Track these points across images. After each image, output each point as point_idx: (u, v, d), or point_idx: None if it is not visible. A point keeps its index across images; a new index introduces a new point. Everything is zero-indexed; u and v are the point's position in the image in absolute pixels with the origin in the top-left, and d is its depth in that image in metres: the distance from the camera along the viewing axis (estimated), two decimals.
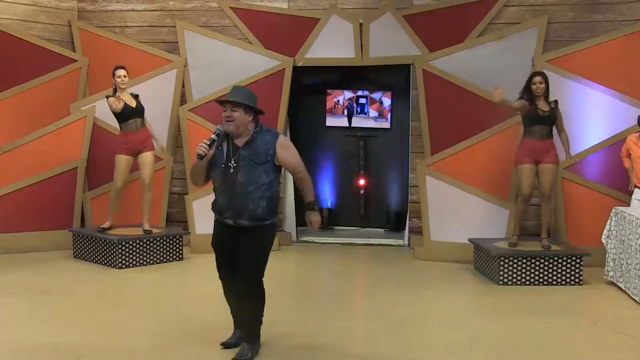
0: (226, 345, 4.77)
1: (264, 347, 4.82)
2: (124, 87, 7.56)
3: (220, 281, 4.78)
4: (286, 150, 4.55)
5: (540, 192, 7.16)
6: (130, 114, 7.56)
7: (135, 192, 8.11)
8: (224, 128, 4.55)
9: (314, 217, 4.59)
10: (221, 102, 4.59)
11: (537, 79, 7.00)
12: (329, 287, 6.50)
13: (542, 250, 6.93)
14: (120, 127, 7.67)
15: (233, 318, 4.88)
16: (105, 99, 7.56)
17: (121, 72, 7.55)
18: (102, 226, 7.73)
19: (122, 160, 7.59)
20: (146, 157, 7.62)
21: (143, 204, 7.73)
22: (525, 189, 7.09)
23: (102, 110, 8.49)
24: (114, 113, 7.52)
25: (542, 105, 7.00)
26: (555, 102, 7.09)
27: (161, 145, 8.10)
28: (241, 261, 4.56)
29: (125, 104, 7.53)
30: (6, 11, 8.55)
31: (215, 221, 4.74)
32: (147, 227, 7.67)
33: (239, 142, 4.55)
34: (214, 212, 4.71)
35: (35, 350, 4.75)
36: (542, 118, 6.99)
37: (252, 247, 4.54)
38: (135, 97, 7.67)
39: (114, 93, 7.52)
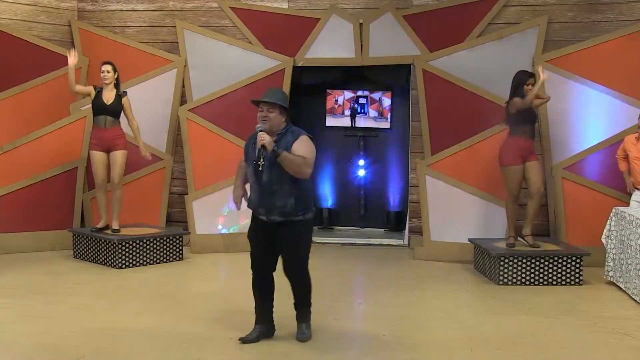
0: (244, 341, 4.90)
1: (263, 348, 4.83)
2: (107, 82, 7.51)
3: (251, 271, 4.96)
4: (300, 143, 4.70)
5: (533, 189, 7.08)
6: (99, 110, 7.53)
7: (132, 191, 8.12)
8: (260, 127, 4.69)
9: (267, 139, 4.59)
10: (258, 101, 4.76)
11: (531, 80, 6.99)
12: (329, 287, 6.49)
13: (542, 250, 6.93)
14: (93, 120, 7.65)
15: (256, 313, 4.99)
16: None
17: (104, 67, 7.52)
18: (97, 226, 7.72)
19: (94, 156, 7.56)
20: (116, 156, 7.54)
21: (112, 203, 7.66)
22: (516, 190, 7.11)
23: None
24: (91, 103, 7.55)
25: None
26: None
27: (145, 154, 7.74)
28: (285, 257, 4.84)
29: (100, 99, 7.48)
30: (6, 11, 8.55)
31: (252, 215, 4.93)
32: (115, 226, 7.62)
33: None
34: (249, 208, 4.90)
35: (35, 350, 4.75)
36: (532, 118, 7.05)
37: (290, 245, 4.79)
38: (119, 95, 7.53)
39: (98, 88, 7.53)
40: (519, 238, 7.19)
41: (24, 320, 5.43)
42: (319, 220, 9.83)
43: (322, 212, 9.84)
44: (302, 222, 4.77)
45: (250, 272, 4.96)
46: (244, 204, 4.95)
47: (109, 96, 7.54)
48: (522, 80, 7.00)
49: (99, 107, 7.53)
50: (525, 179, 7.09)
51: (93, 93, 7.54)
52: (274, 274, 4.95)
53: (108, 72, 7.51)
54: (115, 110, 7.53)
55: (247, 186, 4.95)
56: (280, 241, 4.78)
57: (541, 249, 6.96)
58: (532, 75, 7.08)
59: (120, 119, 7.63)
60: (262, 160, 4.67)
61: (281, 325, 5.16)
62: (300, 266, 4.87)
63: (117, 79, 7.61)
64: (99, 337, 5.04)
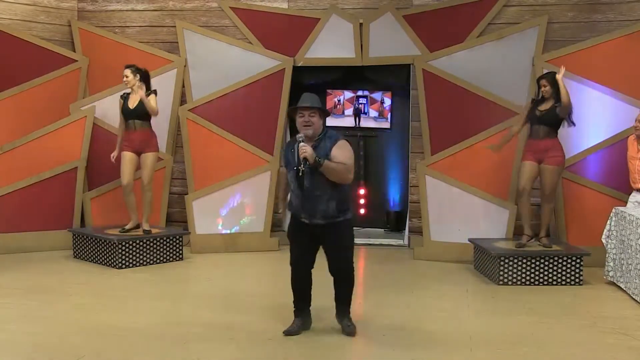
0: (288, 333, 5.07)
1: (263, 349, 4.83)
2: (129, 86, 7.56)
3: (291, 267, 5.15)
4: (340, 148, 4.84)
5: (540, 192, 7.18)
6: (127, 115, 7.59)
7: (134, 192, 8.12)
8: (304, 134, 4.81)
9: (309, 151, 4.68)
10: (297, 108, 4.88)
11: (542, 82, 7.13)
12: (329, 287, 6.49)
13: (542, 250, 6.94)
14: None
15: (295, 307, 5.17)
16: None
17: (124, 71, 7.56)
18: (125, 227, 7.69)
19: (125, 156, 7.60)
20: (146, 158, 7.62)
21: (143, 204, 7.73)
22: (520, 183, 7.16)
23: (102, 110, 8.52)
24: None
25: (543, 106, 7.06)
26: (559, 104, 7.05)
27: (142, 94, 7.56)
28: (331, 256, 5.01)
29: (126, 104, 7.55)
30: (6, 11, 8.55)
31: (292, 216, 5.08)
32: (146, 227, 7.67)
33: None
34: (290, 210, 5.06)
35: (35, 350, 4.75)
36: (538, 118, 7.07)
37: (335, 245, 4.97)
38: (150, 93, 7.54)
39: (126, 94, 7.60)
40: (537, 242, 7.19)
41: (24, 320, 5.43)
42: None
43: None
44: (343, 222, 4.93)
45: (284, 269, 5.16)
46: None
47: (135, 99, 7.56)
48: (537, 85, 7.20)
49: (126, 113, 7.59)
50: (540, 181, 7.15)
51: (121, 103, 7.61)
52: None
53: (127, 76, 7.54)
54: (141, 112, 7.54)
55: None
56: (324, 242, 4.99)
57: (542, 249, 6.96)
58: (540, 78, 7.20)
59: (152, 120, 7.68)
60: (301, 166, 4.77)
61: (280, 326, 5.18)
62: (347, 264, 5.04)
63: (144, 78, 7.61)
64: (99, 337, 5.04)
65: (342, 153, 4.82)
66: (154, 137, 7.71)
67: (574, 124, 7.14)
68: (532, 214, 7.37)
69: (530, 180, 7.13)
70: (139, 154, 7.62)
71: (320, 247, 5.08)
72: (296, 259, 5.09)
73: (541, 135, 7.07)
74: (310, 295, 5.20)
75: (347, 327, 5.09)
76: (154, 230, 7.75)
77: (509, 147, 7.70)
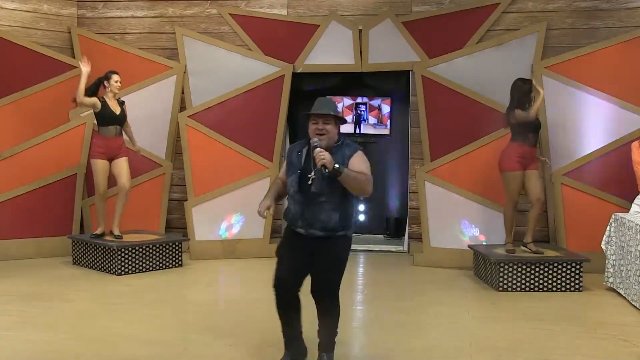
0: None
1: (262, 354, 4.82)
2: (117, 91, 7.61)
3: (274, 291, 4.58)
4: (358, 158, 4.37)
5: (533, 198, 7.12)
6: (110, 120, 7.58)
7: (132, 198, 8.09)
8: (318, 141, 4.28)
9: (328, 157, 4.14)
10: (310, 114, 4.42)
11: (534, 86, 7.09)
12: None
13: (542, 256, 6.93)
14: (98, 129, 7.68)
15: (283, 337, 4.62)
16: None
17: (117, 77, 7.60)
18: (95, 232, 7.74)
19: (97, 164, 7.58)
20: (123, 163, 7.59)
21: (117, 208, 7.68)
22: (516, 196, 7.15)
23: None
24: (95, 113, 7.59)
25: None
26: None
27: (138, 147, 7.93)
28: (317, 274, 4.42)
29: (109, 109, 7.54)
30: (6, 18, 8.57)
31: (285, 229, 4.61)
32: (117, 232, 7.65)
33: None
34: (285, 220, 4.52)
35: (34, 357, 4.75)
36: (535, 126, 7.07)
37: (327, 260, 4.38)
38: (121, 103, 7.67)
39: (103, 99, 7.58)
40: (522, 247, 7.19)
41: (24, 327, 5.42)
42: None
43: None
44: (342, 238, 4.39)
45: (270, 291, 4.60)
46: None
47: (114, 105, 7.59)
48: (525, 89, 7.04)
49: (110, 118, 7.57)
50: (524, 187, 7.11)
51: (99, 104, 7.55)
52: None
53: (120, 82, 7.60)
54: (123, 119, 7.64)
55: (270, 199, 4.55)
56: (316, 257, 4.37)
57: (541, 255, 6.96)
58: (531, 82, 7.12)
59: None
60: (312, 173, 4.27)
61: (278, 332, 5.17)
62: (332, 288, 4.40)
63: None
64: (98, 343, 5.03)
65: (361, 163, 4.33)
66: (124, 142, 7.74)
67: None
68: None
69: (520, 191, 7.16)
70: (110, 160, 7.60)
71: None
72: (280, 282, 4.48)
73: (534, 142, 7.12)
74: (300, 321, 4.59)
75: None
76: (153, 237, 7.75)
77: None
